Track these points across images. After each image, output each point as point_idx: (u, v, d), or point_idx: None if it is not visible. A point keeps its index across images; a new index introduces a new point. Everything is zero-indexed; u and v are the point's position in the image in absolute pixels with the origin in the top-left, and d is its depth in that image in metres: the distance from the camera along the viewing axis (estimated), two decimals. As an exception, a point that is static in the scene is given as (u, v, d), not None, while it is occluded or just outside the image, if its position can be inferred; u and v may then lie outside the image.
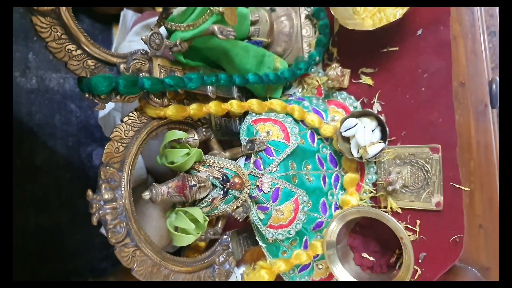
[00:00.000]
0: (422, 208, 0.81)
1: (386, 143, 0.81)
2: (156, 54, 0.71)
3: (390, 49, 0.87)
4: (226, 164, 0.78)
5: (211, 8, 0.71)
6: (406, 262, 0.74)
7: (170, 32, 0.74)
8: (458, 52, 0.82)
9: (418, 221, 0.82)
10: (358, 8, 0.88)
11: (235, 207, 0.79)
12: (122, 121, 0.72)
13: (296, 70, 0.91)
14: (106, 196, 0.66)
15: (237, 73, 0.83)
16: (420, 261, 0.80)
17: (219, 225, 0.85)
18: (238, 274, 0.93)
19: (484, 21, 0.83)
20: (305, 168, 0.87)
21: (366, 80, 0.90)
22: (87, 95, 0.63)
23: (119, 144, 0.70)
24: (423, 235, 0.81)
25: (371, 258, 0.87)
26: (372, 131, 0.83)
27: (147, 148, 0.85)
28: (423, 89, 0.83)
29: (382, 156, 0.85)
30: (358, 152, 0.83)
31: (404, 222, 0.83)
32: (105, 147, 0.68)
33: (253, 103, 0.83)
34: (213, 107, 0.79)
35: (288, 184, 0.80)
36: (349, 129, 0.82)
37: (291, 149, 0.81)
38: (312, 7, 0.94)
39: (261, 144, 0.79)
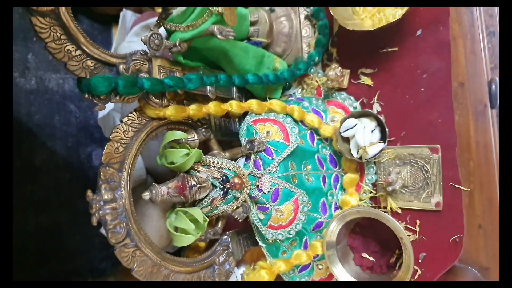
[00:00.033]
0: (421, 208, 0.81)
1: (386, 144, 0.81)
2: (155, 54, 0.71)
3: (390, 49, 0.87)
4: (226, 165, 0.78)
5: (211, 8, 0.71)
6: (406, 262, 0.74)
7: (169, 33, 0.74)
8: (458, 52, 0.82)
9: (417, 221, 0.82)
10: (357, 9, 0.88)
11: (235, 208, 0.79)
12: (121, 121, 0.72)
13: (296, 71, 0.91)
14: (106, 197, 0.66)
15: (237, 74, 0.83)
16: (420, 261, 0.80)
17: (219, 225, 0.85)
18: (238, 274, 0.93)
19: (484, 21, 0.83)
20: (304, 169, 0.87)
21: (366, 80, 0.91)
22: (86, 96, 0.63)
23: (119, 144, 0.70)
24: (423, 235, 0.81)
25: (371, 259, 0.87)
26: (372, 131, 0.83)
27: (147, 148, 0.85)
28: (422, 89, 0.83)
29: (382, 157, 0.85)
30: (357, 152, 0.83)
31: (404, 222, 0.83)
32: (105, 148, 0.68)
33: (252, 103, 0.83)
34: (212, 107, 0.79)
35: (288, 184, 0.80)
36: (348, 129, 0.82)
37: (291, 149, 0.81)
38: (311, 8, 0.94)
39: (260, 145, 0.79)
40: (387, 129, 0.81)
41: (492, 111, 0.80)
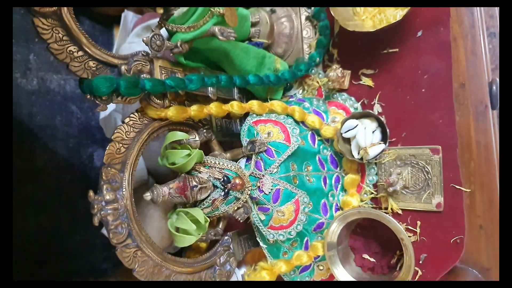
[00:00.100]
0: (422, 209, 0.81)
1: (387, 144, 0.82)
2: (157, 55, 0.71)
3: (390, 50, 0.87)
4: (227, 165, 0.78)
5: (212, 9, 0.71)
6: (407, 263, 0.74)
7: (171, 34, 0.74)
8: (458, 53, 0.82)
9: (418, 222, 0.82)
10: (358, 9, 0.89)
11: (236, 208, 0.79)
12: (123, 122, 0.72)
13: (297, 71, 0.92)
14: (107, 197, 0.66)
15: (238, 74, 0.84)
16: (420, 262, 0.80)
17: (220, 226, 0.85)
18: (239, 275, 0.93)
19: (484, 22, 0.83)
20: (305, 169, 0.87)
21: (367, 81, 0.91)
22: (88, 96, 0.63)
23: (121, 145, 0.70)
24: (424, 236, 0.81)
25: (372, 259, 0.87)
26: (373, 132, 0.83)
27: (148, 149, 0.85)
28: (423, 90, 0.83)
29: (383, 157, 0.85)
30: (358, 153, 0.83)
31: (405, 223, 0.83)
32: (107, 148, 0.69)
33: (253, 104, 0.84)
34: (213, 108, 0.80)
35: (289, 185, 0.81)
36: (349, 130, 0.82)
37: (292, 150, 0.81)
38: (312, 9, 0.94)
39: (261, 145, 0.79)
40: (388, 130, 0.81)
41: (493, 111, 0.80)
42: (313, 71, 0.96)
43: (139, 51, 0.72)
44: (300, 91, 1.00)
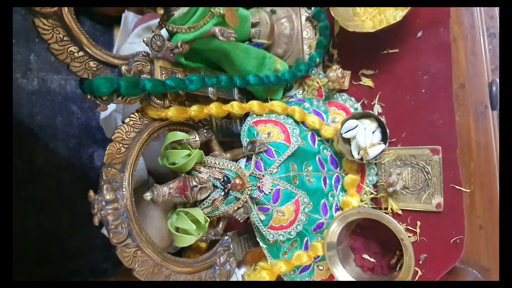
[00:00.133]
0: (422, 210, 0.81)
1: (387, 145, 0.82)
2: (157, 55, 0.71)
3: (391, 51, 0.87)
4: (227, 165, 0.78)
5: (212, 10, 0.71)
6: (407, 263, 0.74)
7: (171, 34, 0.74)
8: (458, 53, 0.82)
9: (418, 223, 0.82)
10: (358, 10, 0.89)
11: (236, 208, 0.79)
12: (123, 122, 0.72)
13: (297, 72, 0.92)
14: (107, 197, 0.66)
15: (238, 75, 0.84)
16: (420, 262, 0.80)
17: (220, 226, 0.86)
18: (239, 275, 0.93)
19: (484, 23, 0.84)
20: (305, 169, 0.87)
21: (367, 81, 0.91)
22: (89, 97, 0.63)
23: (121, 145, 0.71)
24: (424, 237, 0.81)
25: (372, 260, 0.87)
26: (373, 132, 0.83)
27: (148, 149, 0.85)
28: (423, 90, 0.83)
29: (383, 158, 0.85)
30: (358, 153, 0.83)
31: (405, 224, 0.83)
32: (107, 148, 0.69)
33: (253, 104, 0.84)
34: (214, 108, 0.80)
35: (288, 185, 0.81)
36: (349, 130, 0.82)
37: (292, 150, 0.81)
38: (312, 9, 0.95)
39: (262, 146, 0.79)
40: (388, 130, 0.81)
41: (493, 112, 0.80)
42: (313, 71, 0.96)
43: (140, 51, 0.72)
44: (300, 92, 1.00)
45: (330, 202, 0.90)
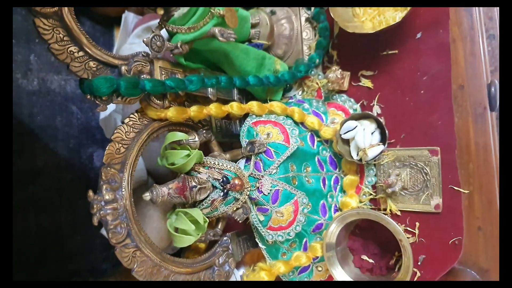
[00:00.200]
0: (421, 211, 0.81)
1: (386, 146, 0.82)
2: (157, 56, 0.71)
3: (390, 52, 0.88)
4: (226, 166, 0.78)
5: (212, 11, 0.71)
6: (406, 264, 0.74)
7: (171, 35, 0.74)
8: (457, 54, 0.83)
9: (417, 224, 0.82)
10: (358, 11, 0.89)
11: (235, 209, 0.79)
12: (123, 122, 0.73)
13: (296, 73, 0.92)
14: (107, 197, 0.67)
15: (238, 75, 0.84)
16: (419, 263, 0.80)
17: (219, 226, 0.86)
18: (237, 276, 0.94)
19: (483, 24, 0.84)
20: (305, 170, 0.87)
21: (366, 82, 0.91)
22: (88, 97, 0.63)
23: (120, 145, 0.71)
24: (422, 238, 0.81)
25: (371, 260, 0.87)
26: (372, 133, 0.83)
27: (148, 149, 0.85)
28: (422, 91, 0.83)
29: (382, 159, 0.85)
30: (357, 154, 0.84)
31: (404, 225, 0.83)
32: (106, 148, 0.69)
33: (253, 105, 0.84)
34: (213, 109, 0.80)
35: (288, 186, 0.81)
36: (348, 131, 0.82)
37: (291, 151, 0.81)
38: (312, 10, 0.95)
39: (261, 146, 0.79)
40: (387, 131, 0.81)
41: (492, 113, 0.80)
42: (312, 72, 0.96)
43: (139, 51, 0.72)
44: (300, 92, 1.01)
45: (329, 203, 0.90)
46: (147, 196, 0.69)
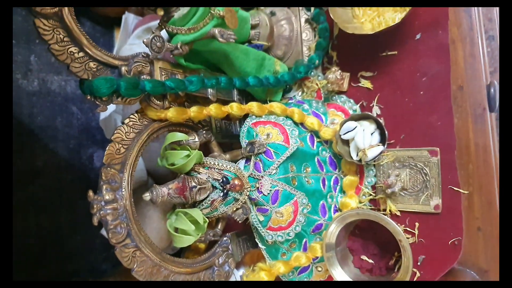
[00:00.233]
0: (421, 211, 0.81)
1: (385, 146, 0.82)
2: (157, 56, 0.71)
3: (389, 53, 0.88)
4: (226, 166, 0.78)
5: (212, 11, 0.71)
6: (405, 264, 0.74)
7: (171, 35, 0.74)
8: (457, 55, 0.83)
9: (417, 224, 0.82)
10: (357, 12, 0.89)
11: (234, 209, 0.79)
12: (123, 123, 0.73)
13: (296, 74, 0.92)
14: (107, 197, 0.67)
15: (238, 76, 0.84)
16: (419, 263, 0.80)
17: (219, 226, 0.86)
18: (237, 276, 0.94)
19: (483, 25, 0.84)
20: (304, 171, 0.87)
21: (366, 83, 0.91)
22: (88, 97, 0.63)
23: (120, 145, 0.71)
24: (422, 238, 0.81)
25: (370, 261, 0.87)
26: (371, 134, 0.83)
27: (148, 150, 0.85)
28: (422, 92, 0.83)
29: (381, 159, 0.85)
30: (357, 155, 0.84)
31: (403, 225, 0.83)
32: (107, 149, 0.69)
33: (253, 106, 0.84)
34: (213, 109, 0.80)
35: (287, 186, 0.81)
36: (348, 132, 0.82)
37: (291, 151, 0.81)
38: (312, 11, 0.95)
39: (261, 147, 0.80)
40: (386, 132, 0.81)
41: (491, 114, 0.80)
42: (312, 73, 0.96)
43: (140, 52, 0.72)
44: (300, 93, 1.01)
45: (329, 203, 0.90)
46: (147, 196, 0.69)
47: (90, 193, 0.66)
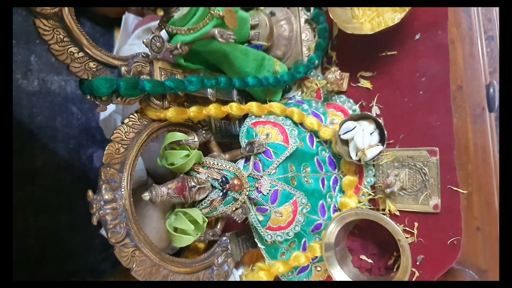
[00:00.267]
0: (420, 211, 0.81)
1: (385, 146, 0.82)
2: (157, 57, 0.72)
3: (389, 53, 0.88)
4: (226, 166, 0.78)
5: (212, 12, 0.71)
6: (404, 264, 0.75)
7: (171, 36, 0.74)
8: (456, 55, 0.83)
9: (416, 224, 0.82)
10: (357, 12, 0.89)
11: (234, 209, 0.80)
12: (122, 123, 0.73)
13: (296, 74, 0.92)
14: (106, 197, 0.67)
15: (237, 76, 0.84)
16: (418, 263, 0.81)
17: (218, 226, 0.86)
18: (237, 276, 0.94)
19: (482, 25, 0.84)
20: (304, 171, 0.87)
21: (365, 83, 0.91)
22: (88, 97, 0.64)
23: (120, 145, 0.71)
24: (421, 238, 0.81)
25: (370, 260, 0.87)
26: (371, 134, 0.83)
27: (147, 150, 0.86)
28: (421, 92, 0.83)
29: (381, 159, 0.85)
30: (356, 154, 0.84)
31: (402, 225, 0.83)
32: (106, 148, 0.69)
33: (252, 106, 0.84)
34: (213, 109, 0.80)
35: (287, 186, 0.81)
36: (347, 132, 0.82)
37: (290, 151, 0.81)
38: (311, 12, 0.95)
39: (260, 147, 0.80)
40: (385, 132, 0.81)
41: (490, 114, 0.81)
42: (312, 73, 0.96)
43: (139, 52, 0.72)
44: (299, 93, 1.01)
45: (328, 203, 0.90)
46: (146, 196, 0.69)
47: (90, 192, 0.66)
